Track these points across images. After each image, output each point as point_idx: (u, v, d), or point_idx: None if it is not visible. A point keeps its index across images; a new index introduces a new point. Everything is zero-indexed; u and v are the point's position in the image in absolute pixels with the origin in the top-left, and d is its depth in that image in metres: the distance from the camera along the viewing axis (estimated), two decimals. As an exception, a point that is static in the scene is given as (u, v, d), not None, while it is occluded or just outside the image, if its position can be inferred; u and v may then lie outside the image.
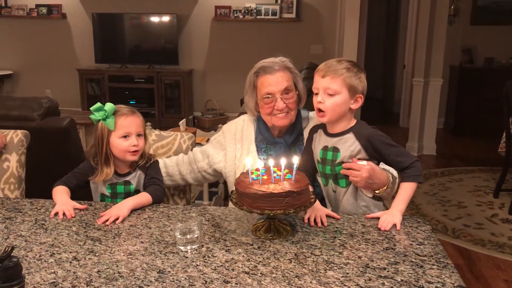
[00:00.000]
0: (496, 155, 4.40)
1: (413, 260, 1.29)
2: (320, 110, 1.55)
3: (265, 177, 1.38)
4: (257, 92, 1.77)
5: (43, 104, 2.91)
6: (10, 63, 7.10)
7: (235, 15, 6.55)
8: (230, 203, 1.88)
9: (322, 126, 1.66)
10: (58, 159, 2.77)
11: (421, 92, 5.23)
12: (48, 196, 1.72)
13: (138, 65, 6.74)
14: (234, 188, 1.47)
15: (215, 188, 3.83)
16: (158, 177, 1.78)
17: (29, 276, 1.18)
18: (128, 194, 1.73)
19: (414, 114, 5.38)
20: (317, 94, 1.56)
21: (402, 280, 1.18)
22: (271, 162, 1.38)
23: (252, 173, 1.39)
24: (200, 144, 3.41)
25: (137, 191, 1.75)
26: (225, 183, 3.55)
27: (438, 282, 1.18)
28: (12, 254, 0.98)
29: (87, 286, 1.15)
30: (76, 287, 1.14)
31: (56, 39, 6.94)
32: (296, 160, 1.38)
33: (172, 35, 6.63)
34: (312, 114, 1.81)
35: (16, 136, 2.09)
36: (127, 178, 1.76)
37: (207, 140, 3.76)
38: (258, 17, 6.50)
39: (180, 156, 1.98)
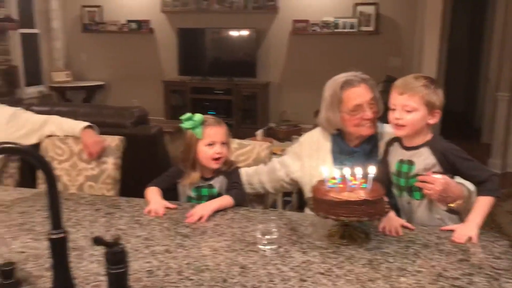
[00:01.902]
0: None
1: (489, 272, 1.30)
2: (397, 125, 1.61)
3: (341, 185, 1.46)
4: (343, 105, 1.84)
5: (135, 113, 3.18)
6: (102, 75, 7.70)
7: (313, 28, 6.66)
8: (306, 210, 1.97)
9: (398, 139, 1.71)
10: (147, 163, 3.00)
11: (506, 107, 5.01)
12: (137, 195, 1.91)
13: (218, 78, 7.04)
14: (310, 196, 1.57)
15: (289, 197, 3.92)
16: (240, 182, 1.91)
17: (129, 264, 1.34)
18: (211, 197, 1.87)
19: (498, 129, 5.16)
20: (394, 110, 1.61)
21: (475, 291, 1.21)
22: (347, 171, 1.45)
23: (328, 181, 1.47)
24: (275, 154, 3.53)
25: (219, 194, 1.89)
26: (298, 193, 3.64)
27: (514, 295, 1.19)
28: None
29: (178, 275, 1.29)
30: (169, 275, 1.29)
31: (144, 52, 7.42)
32: (372, 170, 1.44)
33: (250, 48, 6.87)
34: (387, 127, 1.86)
35: (113, 141, 2.32)
36: (211, 182, 1.91)
37: (283, 150, 3.88)
38: (335, 30, 6.56)
39: (260, 166, 2.11)
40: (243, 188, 1.91)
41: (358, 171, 1.45)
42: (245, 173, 2.06)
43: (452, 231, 1.54)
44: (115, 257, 1.09)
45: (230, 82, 6.92)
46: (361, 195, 1.41)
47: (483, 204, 1.55)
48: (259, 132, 3.58)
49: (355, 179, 1.46)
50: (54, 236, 1.13)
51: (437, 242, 1.49)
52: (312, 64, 6.76)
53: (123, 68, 7.57)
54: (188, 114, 1.86)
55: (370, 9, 6.51)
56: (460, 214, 1.68)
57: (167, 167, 2.03)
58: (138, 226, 1.62)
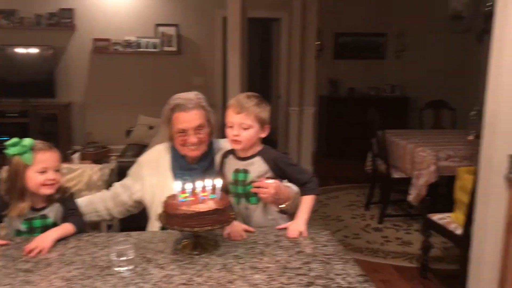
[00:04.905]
0: (363, 173, 5.01)
1: (321, 259, 1.54)
2: (235, 141, 1.77)
3: (192, 198, 1.54)
4: (171, 125, 1.92)
5: None
6: None
7: (115, 47, 6.56)
8: (148, 227, 2.00)
9: (232, 151, 1.88)
10: None
11: (297, 119, 5.75)
12: None
13: (9, 99, 6.34)
14: (156, 214, 1.62)
15: (111, 221, 3.79)
16: (77, 208, 1.82)
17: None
18: (46, 228, 1.74)
19: (292, 139, 5.87)
20: (231, 127, 1.77)
21: (316, 275, 1.42)
22: (198, 184, 1.55)
23: (179, 195, 1.54)
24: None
25: (55, 224, 1.77)
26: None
27: (344, 273, 1.44)
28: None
29: (34, 313, 1.19)
30: (23, 315, 1.18)
31: None
32: (219, 181, 1.56)
33: (47, 67, 6.40)
34: (222, 142, 2.01)
35: None
36: (44, 212, 1.78)
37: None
38: (138, 49, 6.59)
39: (104, 192, 2.06)
40: (82, 214, 1.83)
41: (206, 183, 1.56)
42: (90, 200, 1.99)
43: (285, 228, 1.76)
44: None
45: (25, 104, 6.30)
46: (212, 205, 1.52)
47: (307, 202, 1.81)
48: (76, 156, 3.39)
49: (204, 191, 1.56)
50: None
51: (276, 240, 1.69)
52: (118, 84, 6.65)
53: None
54: (14, 139, 1.71)
55: (171, 30, 6.73)
56: (289, 213, 1.92)
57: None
58: (-33, 269, 1.43)
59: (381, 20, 7.14)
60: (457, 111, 5.58)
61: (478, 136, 2.81)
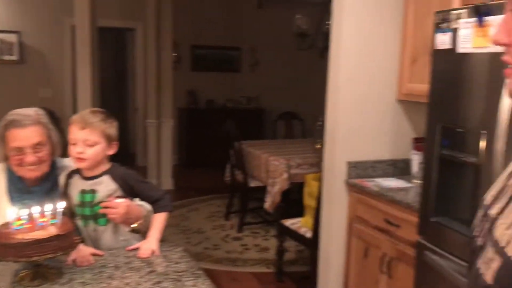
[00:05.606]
0: (223, 183, 5.10)
1: (173, 276, 1.52)
2: (79, 159, 1.66)
3: (29, 225, 1.41)
4: (5, 144, 1.74)
5: None
6: None
7: None
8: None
9: (77, 171, 1.76)
10: None
11: (155, 132, 5.66)
12: None
13: None
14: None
15: None
16: None
17: None
18: None
19: (151, 152, 5.76)
20: (75, 144, 1.66)
21: (167, 294, 1.40)
22: (34, 209, 1.41)
23: (13, 223, 1.39)
24: None
25: None
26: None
27: (196, 289, 1.44)
28: None
29: None
30: None
31: None
32: (61, 204, 1.45)
33: None
34: (66, 161, 1.87)
35: None
36: None
37: None
38: (-28, 58, 5.92)
39: None
40: None
41: (46, 207, 1.44)
42: None
43: (137, 249, 1.70)
44: None
45: None
46: (52, 230, 1.40)
47: (159, 220, 1.78)
48: None
49: (43, 217, 1.43)
50: None
51: (126, 261, 1.62)
52: None
53: None
54: None
55: (11, 37, 6.17)
56: (142, 233, 1.86)
57: None
58: None
59: (235, 35, 7.41)
60: (306, 122, 6.01)
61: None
